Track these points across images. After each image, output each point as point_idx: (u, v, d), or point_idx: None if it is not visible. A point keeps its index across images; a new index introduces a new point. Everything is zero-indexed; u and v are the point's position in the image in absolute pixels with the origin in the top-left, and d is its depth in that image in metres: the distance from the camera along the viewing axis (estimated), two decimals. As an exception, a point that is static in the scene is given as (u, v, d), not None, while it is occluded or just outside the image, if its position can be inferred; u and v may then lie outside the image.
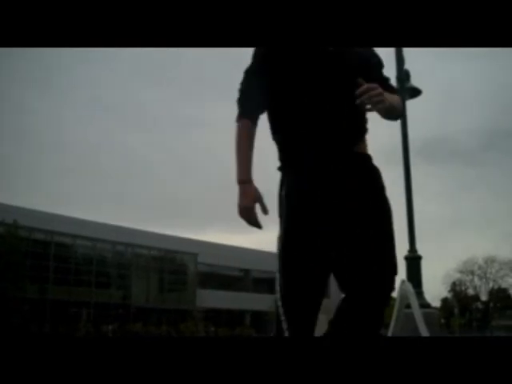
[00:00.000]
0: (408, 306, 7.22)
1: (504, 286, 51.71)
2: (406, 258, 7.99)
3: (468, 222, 73.06)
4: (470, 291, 53.38)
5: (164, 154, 64.21)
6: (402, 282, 7.38)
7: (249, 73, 2.01)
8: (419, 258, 8.00)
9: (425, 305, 7.81)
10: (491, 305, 52.67)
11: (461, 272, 52.18)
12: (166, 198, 62.80)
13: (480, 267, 51.78)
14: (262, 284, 41.09)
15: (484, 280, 52.16)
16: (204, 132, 69.32)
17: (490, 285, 52.03)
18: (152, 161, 60.87)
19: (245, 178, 1.93)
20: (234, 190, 1.93)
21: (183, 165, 64.54)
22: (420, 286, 7.84)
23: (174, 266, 38.91)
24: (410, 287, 7.31)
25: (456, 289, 53.27)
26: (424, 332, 6.67)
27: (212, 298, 36.94)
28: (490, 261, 50.80)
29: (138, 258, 36.79)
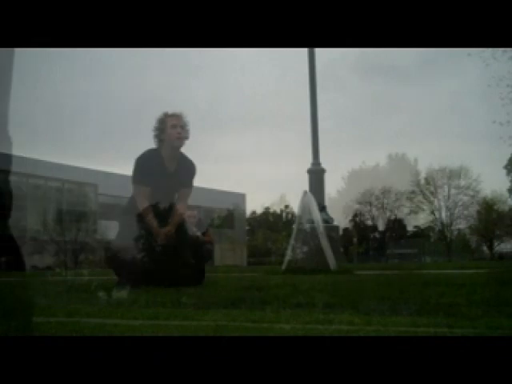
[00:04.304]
0: (309, 221, 6.61)
1: (400, 216, 51.91)
2: (309, 171, 7.34)
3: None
4: (369, 222, 53.57)
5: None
6: (305, 193, 6.68)
7: None
8: (323, 171, 7.40)
9: (327, 219, 7.17)
10: (387, 234, 52.84)
11: (359, 203, 52.01)
12: (65, 128, 59.62)
13: (377, 198, 51.73)
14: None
15: (381, 210, 52.05)
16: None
17: (387, 215, 52.24)
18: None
19: None
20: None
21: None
22: (323, 200, 7.27)
23: (73, 197, 37.25)
24: (312, 199, 6.71)
25: (356, 219, 53.20)
26: (326, 247, 6.20)
27: (114, 230, 35.37)
28: (386, 191, 50.84)
29: (35, 189, 34.74)
